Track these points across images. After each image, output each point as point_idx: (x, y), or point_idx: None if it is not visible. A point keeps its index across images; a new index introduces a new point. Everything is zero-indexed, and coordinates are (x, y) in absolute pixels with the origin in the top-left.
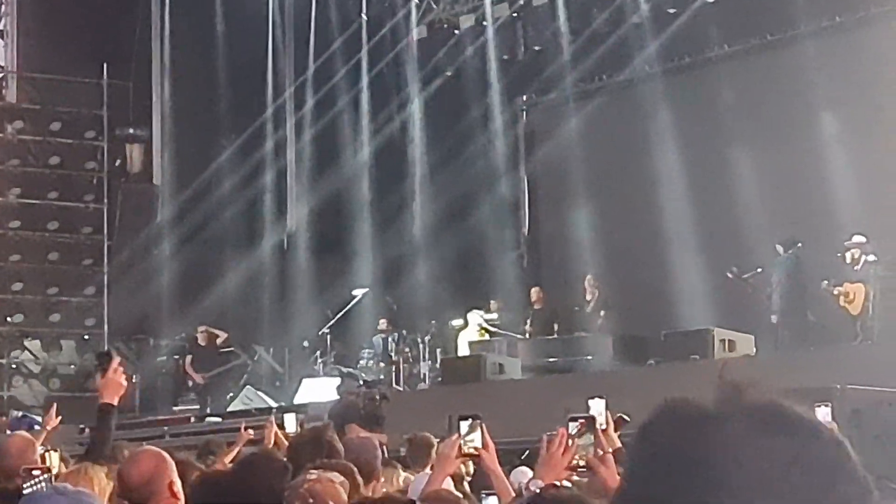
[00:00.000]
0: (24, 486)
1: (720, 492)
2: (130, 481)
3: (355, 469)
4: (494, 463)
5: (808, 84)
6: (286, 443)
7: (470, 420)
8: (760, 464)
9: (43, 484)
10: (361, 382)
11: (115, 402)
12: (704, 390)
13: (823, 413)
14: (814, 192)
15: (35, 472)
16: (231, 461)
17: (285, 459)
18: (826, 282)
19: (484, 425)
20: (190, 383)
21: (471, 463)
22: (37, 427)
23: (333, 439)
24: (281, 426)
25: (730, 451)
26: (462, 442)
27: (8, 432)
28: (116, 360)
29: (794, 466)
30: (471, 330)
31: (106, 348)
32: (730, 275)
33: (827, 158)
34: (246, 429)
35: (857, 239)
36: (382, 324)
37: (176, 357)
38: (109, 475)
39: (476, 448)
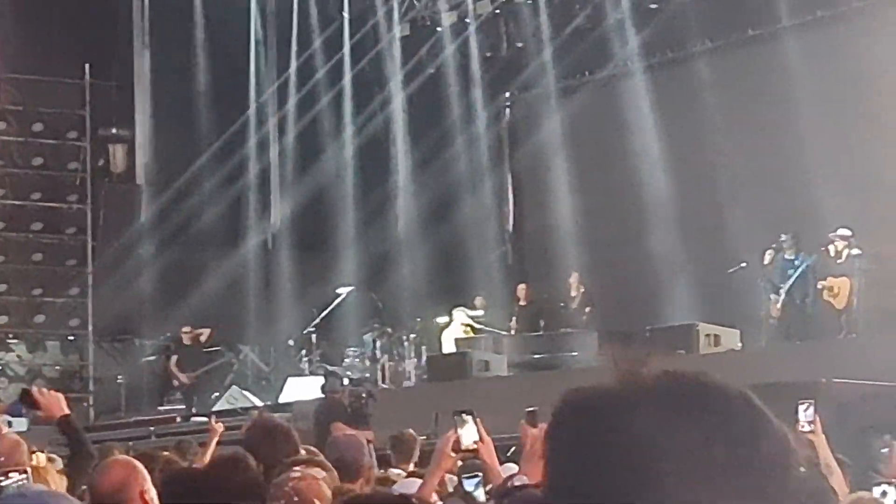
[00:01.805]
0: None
1: (644, 474)
2: (101, 490)
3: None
4: (491, 457)
5: (790, 78)
6: None
7: (464, 414)
8: (679, 442)
9: (18, 484)
10: (347, 381)
11: (66, 411)
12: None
13: (808, 411)
14: (797, 186)
15: (11, 475)
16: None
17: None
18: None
19: (478, 420)
20: (175, 383)
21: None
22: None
23: (281, 424)
24: None
25: (646, 433)
26: (460, 437)
27: (6, 417)
28: (32, 388)
29: (714, 439)
30: (455, 327)
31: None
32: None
33: (810, 152)
34: (217, 422)
35: (843, 232)
36: (375, 323)
37: (165, 357)
38: None
39: (475, 442)
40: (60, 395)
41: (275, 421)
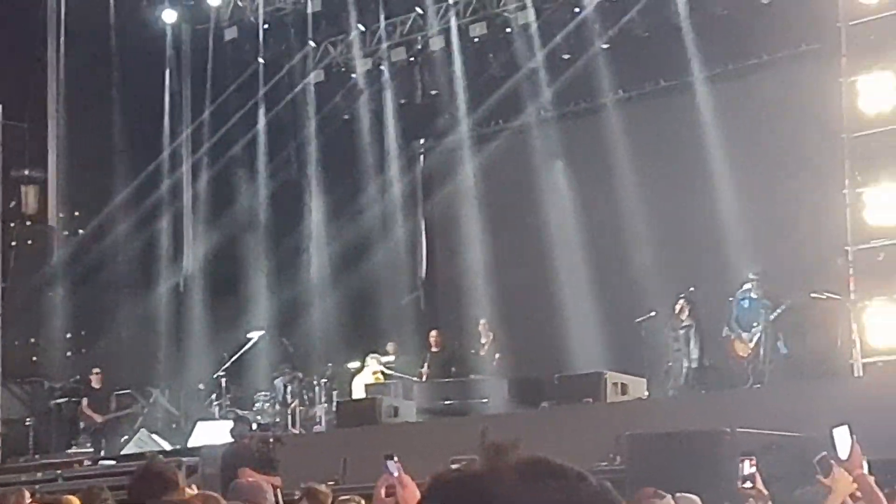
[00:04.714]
0: None
1: None
2: None
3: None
4: (412, 501)
5: (701, 129)
6: None
7: (393, 458)
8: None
9: None
10: (256, 426)
11: None
12: (597, 432)
13: (747, 465)
14: (707, 235)
15: None
16: None
17: None
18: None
19: (399, 464)
20: (81, 425)
21: None
22: None
23: (162, 470)
24: None
25: (506, 499)
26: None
27: None
28: None
29: (572, 499)
30: (366, 374)
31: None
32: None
33: (720, 202)
34: None
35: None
36: (286, 367)
37: (74, 400)
38: None
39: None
40: None
41: (154, 466)
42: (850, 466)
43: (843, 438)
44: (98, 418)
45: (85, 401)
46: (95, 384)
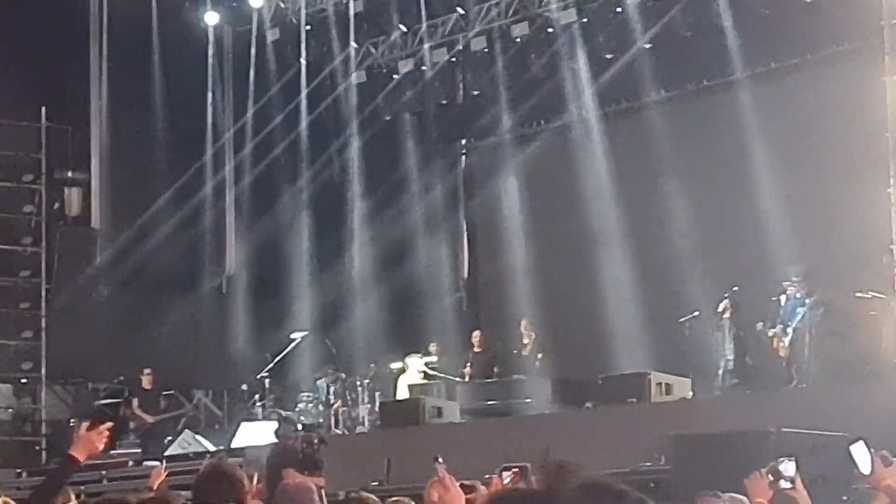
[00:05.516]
0: None
1: None
2: None
3: None
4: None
5: (744, 128)
6: None
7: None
8: None
9: None
10: (300, 426)
11: (82, 460)
12: (641, 433)
13: (790, 467)
14: (749, 235)
15: None
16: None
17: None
18: (761, 323)
19: (442, 465)
20: (132, 425)
21: None
22: None
23: (229, 470)
24: None
25: None
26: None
27: None
28: (108, 424)
29: None
30: (411, 373)
31: (106, 406)
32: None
33: (762, 202)
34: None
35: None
36: (329, 368)
37: (118, 401)
38: None
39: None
40: (99, 449)
41: (223, 467)
42: (875, 480)
43: (861, 454)
44: (149, 419)
45: (136, 401)
46: (146, 385)
